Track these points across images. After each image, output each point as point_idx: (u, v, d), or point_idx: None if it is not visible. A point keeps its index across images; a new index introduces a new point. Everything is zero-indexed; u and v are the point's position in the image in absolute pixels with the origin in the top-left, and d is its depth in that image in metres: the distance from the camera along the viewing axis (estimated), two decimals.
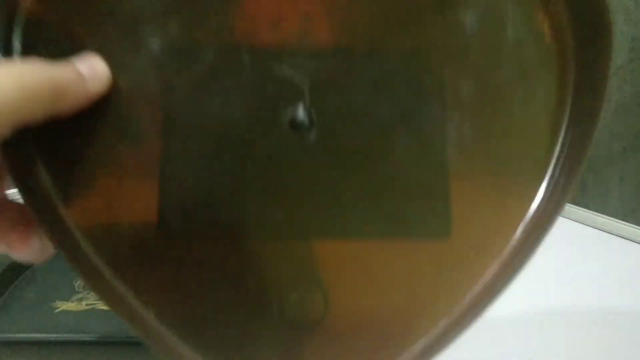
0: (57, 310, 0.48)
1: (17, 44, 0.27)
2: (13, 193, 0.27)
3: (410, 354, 0.28)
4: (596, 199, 0.94)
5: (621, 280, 0.56)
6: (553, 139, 0.29)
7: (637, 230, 0.65)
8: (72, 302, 0.49)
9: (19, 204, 0.28)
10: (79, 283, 0.53)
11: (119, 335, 0.43)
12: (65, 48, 0.27)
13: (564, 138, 0.29)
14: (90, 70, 0.27)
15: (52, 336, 0.44)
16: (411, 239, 0.28)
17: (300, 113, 0.29)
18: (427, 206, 0.28)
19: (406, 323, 0.28)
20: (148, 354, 0.44)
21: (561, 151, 0.28)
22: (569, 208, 0.78)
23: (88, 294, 0.51)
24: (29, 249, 0.27)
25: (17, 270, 0.54)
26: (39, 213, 0.26)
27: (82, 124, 0.27)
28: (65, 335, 0.44)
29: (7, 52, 0.26)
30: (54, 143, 0.27)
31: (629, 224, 0.65)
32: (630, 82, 0.95)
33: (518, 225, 0.29)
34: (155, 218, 0.27)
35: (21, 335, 0.45)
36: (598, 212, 0.68)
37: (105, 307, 0.48)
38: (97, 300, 0.50)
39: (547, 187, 0.28)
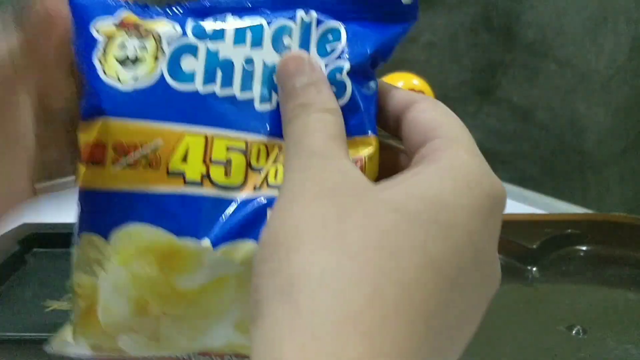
0: (47, 310, 0.47)
1: None
2: None
3: None
4: (597, 199, 0.93)
5: None
6: None
7: None
8: (63, 301, 0.49)
9: None
10: (70, 282, 0.52)
11: None
12: None
13: None
14: None
15: (43, 335, 0.44)
16: None
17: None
18: None
19: None
20: None
21: None
22: (570, 207, 0.78)
23: None
24: None
25: (8, 269, 0.53)
26: None
27: None
28: (56, 334, 0.44)
29: None
30: None
31: None
32: (630, 82, 0.94)
33: None
34: None
35: (12, 334, 0.44)
36: (599, 211, 0.68)
37: None
38: None
39: None
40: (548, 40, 0.93)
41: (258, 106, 0.26)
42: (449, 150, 0.23)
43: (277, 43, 0.26)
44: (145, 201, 0.25)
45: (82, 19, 0.27)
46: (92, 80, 0.26)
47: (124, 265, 0.25)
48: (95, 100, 0.26)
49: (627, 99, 0.95)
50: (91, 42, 0.26)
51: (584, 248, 0.61)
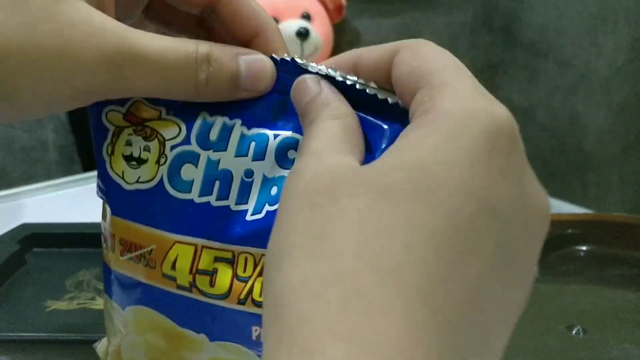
0: (48, 310, 0.47)
1: None
2: None
3: None
4: (597, 199, 0.93)
5: None
6: None
7: None
8: (63, 301, 0.49)
9: None
10: (70, 282, 0.52)
11: None
12: None
13: None
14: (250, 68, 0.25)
15: (43, 335, 0.44)
16: None
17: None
18: None
19: None
20: None
21: None
22: (570, 207, 0.78)
23: (79, 293, 0.50)
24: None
25: (8, 269, 0.53)
26: None
27: None
28: (56, 334, 0.44)
29: None
30: None
31: None
32: (630, 82, 0.94)
33: None
34: None
35: (12, 334, 0.44)
36: (599, 211, 0.68)
37: (95, 307, 0.48)
38: (87, 299, 0.49)
39: None
40: (548, 40, 0.93)
41: (250, 217, 0.25)
42: (436, 99, 0.19)
43: (280, 156, 0.25)
44: (149, 291, 0.27)
45: (96, 105, 0.27)
46: (103, 173, 0.27)
47: (138, 334, 0.27)
48: (105, 193, 0.27)
49: (627, 99, 0.95)
50: (103, 131, 0.27)
51: (584, 248, 0.61)
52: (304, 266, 0.18)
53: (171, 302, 0.26)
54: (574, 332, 0.47)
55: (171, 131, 0.26)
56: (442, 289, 0.17)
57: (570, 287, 0.56)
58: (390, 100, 0.23)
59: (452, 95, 0.19)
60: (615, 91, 0.94)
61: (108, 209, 0.27)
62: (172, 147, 0.26)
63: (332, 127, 0.22)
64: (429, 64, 0.21)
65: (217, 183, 0.26)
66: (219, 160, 0.26)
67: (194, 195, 0.26)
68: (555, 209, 0.77)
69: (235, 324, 0.26)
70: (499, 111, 0.19)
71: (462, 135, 0.18)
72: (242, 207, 0.25)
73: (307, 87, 0.24)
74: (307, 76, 0.25)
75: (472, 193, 0.17)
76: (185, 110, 0.26)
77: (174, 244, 0.26)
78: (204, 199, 0.26)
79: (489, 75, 0.97)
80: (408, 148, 0.18)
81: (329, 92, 0.24)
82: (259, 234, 0.25)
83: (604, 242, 0.61)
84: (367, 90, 0.24)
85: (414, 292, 0.16)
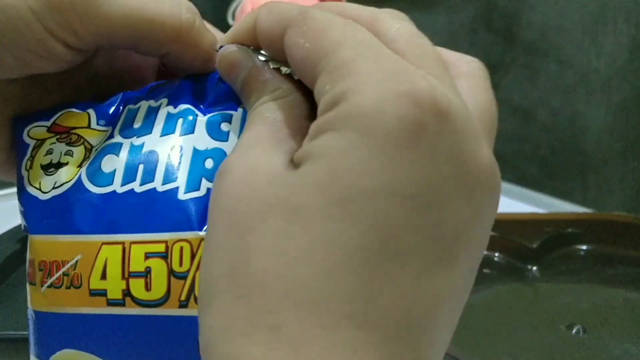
0: None
1: None
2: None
3: None
4: (597, 199, 0.93)
5: None
6: None
7: None
8: None
9: None
10: None
11: None
12: None
13: None
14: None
15: None
16: None
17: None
18: None
19: None
20: None
21: None
22: (570, 206, 0.78)
23: None
24: None
25: (8, 268, 0.53)
26: None
27: None
28: None
29: None
30: None
31: None
32: (630, 82, 0.94)
33: None
34: None
35: (12, 332, 0.44)
36: (599, 211, 0.68)
37: None
38: None
39: None
40: (548, 40, 0.93)
41: (182, 195, 0.22)
42: (338, 87, 0.17)
43: (212, 129, 0.23)
44: (75, 325, 0.23)
45: (18, 125, 0.25)
46: (21, 191, 0.24)
47: None
48: (24, 214, 0.25)
49: (627, 99, 0.95)
50: (23, 149, 0.25)
51: (584, 247, 0.61)
52: (230, 303, 0.17)
53: (101, 332, 0.22)
54: (574, 331, 0.47)
55: (100, 138, 0.24)
56: (373, 307, 0.15)
57: (571, 287, 0.56)
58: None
59: (356, 81, 0.16)
60: (615, 91, 0.94)
61: (30, 237, 0.24)
62: (97, 148, 0.24)
63: (271, 112, 0.19)
64: (323, 41, 0.17)
65: (141, 167, 0.23)
66: (143, 144, 0.23)
67: (116, 185, 0.23)
68: (555, 209, 0.77)
69: (180, 342, 0.22)
70: (417, 85, 0.16)
71: (374, 130, 0.16)
72: (171, 186, 0.22)
73: (237, 60, 0.21)
74: (232, 47, 0.21)
75: (396, 193, 0.15)
76: (113, 113, 0.24)
77: (101, 246, 0.22)
78: (126, 188, 0.22)
79: (489, 75, 0.97)
80: (316, 157, 0.16)
81: (262, 64, 0.21)
82: (198, 214, 0.22)
83: (604, 242, 0.61)
84: (282, 70, 0.21)
85: (340, 318, 0.15)
